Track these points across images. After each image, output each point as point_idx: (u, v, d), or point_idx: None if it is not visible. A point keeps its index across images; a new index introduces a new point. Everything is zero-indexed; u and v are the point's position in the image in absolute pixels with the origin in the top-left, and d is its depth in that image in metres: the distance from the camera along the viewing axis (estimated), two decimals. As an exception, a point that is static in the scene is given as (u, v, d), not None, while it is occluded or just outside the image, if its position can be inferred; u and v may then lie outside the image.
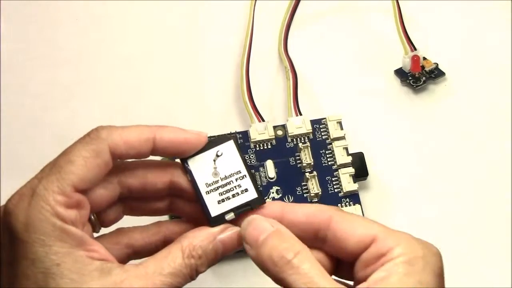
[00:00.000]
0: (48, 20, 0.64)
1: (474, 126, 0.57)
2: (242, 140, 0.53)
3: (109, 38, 0.63)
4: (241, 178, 0.37)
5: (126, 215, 0.39)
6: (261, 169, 0.52)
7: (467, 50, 0.61)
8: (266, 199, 0.50)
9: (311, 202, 0.50)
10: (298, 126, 0.53)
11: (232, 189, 0.37)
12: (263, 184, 0.51)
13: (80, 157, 0.34)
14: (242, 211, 0.37)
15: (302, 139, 0.53)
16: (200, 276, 0.36)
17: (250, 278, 0.51)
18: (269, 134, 0.52)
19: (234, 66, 0.60)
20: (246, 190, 0.37)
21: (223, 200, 0.37)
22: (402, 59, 0.59)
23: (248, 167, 0.38)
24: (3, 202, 0.35)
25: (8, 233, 0.33)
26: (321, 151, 0.52)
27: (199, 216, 0.37)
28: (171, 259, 0.35)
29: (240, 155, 0.38)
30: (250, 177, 0.37)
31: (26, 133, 0.58)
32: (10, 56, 0.61)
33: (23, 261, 0.33)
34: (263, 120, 0.54)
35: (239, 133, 0.53)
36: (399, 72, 0.60)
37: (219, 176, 0.37)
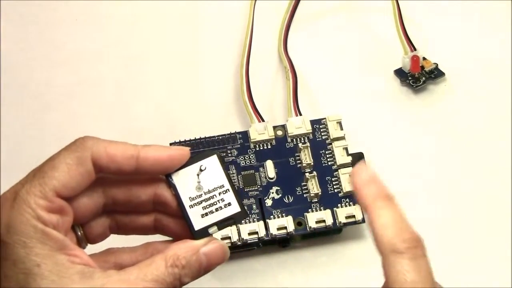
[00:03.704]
0: (48, 20, 0.64)
1: (474, 126, 0.57)
2: (242, 140, 0.53)
3: (108, 38, 0.63)
4: (224, 192, 0.38)
5: (113, 233, 0.39)
6: (261, 169, 0.52)
7: (467, 50, 0.61)
8: (266, 199, 0.50)
9: (311, 202, 0.50)
10: (298, 126, 0.53)
11: (215, 203, 0.38)
12: (263, 184, 0.51)
13: (64, 164, 0.35)
14: (225, 225, 0.38)
15: (302, 139, 0.53)
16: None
17: (250, 279, 0.51)
18: (269, 134, 0.52)
19: (234, 66, 0.60)
20: (229, 204, 0.38)
21: (206, 214, 0.37)
22: (401, 59, 0.59)
23: (232, 182, 0.38)
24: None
25: None
26: (321, 151, 0.52)
27: (185, 234, 0.37)
28: (155, 267, 0.35)
29: (224, 170, 0.38)
30: (233, 191, 0.38)
31: (26, 133, 0.58)
32: (10, 56, 0.61)
33: (4, 262, 0.33)
34: (263, 120, 0.54)
35: (239, 133, 0.53)
36: (399, 72, 0.60)
37: (203, 190, 0.38)
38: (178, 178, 0.37)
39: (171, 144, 0.52)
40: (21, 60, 0.62)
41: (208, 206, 0.37)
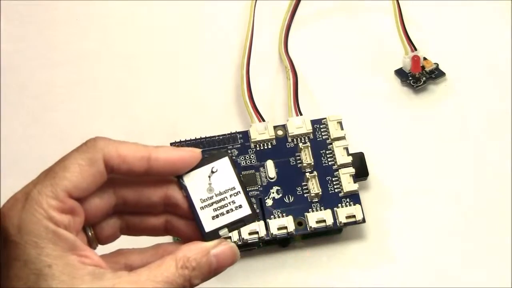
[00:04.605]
0: (48, 20, 0.64)
1: (474, 126, 0.57)
2: (242, 140, 0.53)
3: (109, 38, 0.63)
4: (235, 194, 0.38)
5: (124, 234, 0.39)
6: (261, 169, 0.52)
7: (468, 50, 0.61)
8: (266, 199, 0.50)
9: (311, 202, 0.50)
10: (299, 126, 0.53)
11: (226, 205, 0.37)
12: (263, 184, 0.51)
13: (75, 164, 0.34)
14: (236, 227, 0.38)
15: (303, 139, 0.53)
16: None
17: (250, 278, 0.51)
18: (269, 134, 0.52)
19: (235, 66, 0.60)
20: (240, 206, 0.38)
21: (217, 216, 0.37)
22: (402, 59, 0.59)
23: (243, 184, 0.38)
24: (3, 202, 0.35)
25: (1, 236, 0.34)
26: (321, 151, 0.52)
27: (195, 236, 0.37)
28: (165, 269, 0.35)
29: (235, 172, 0.38)
30: (244, 194, 0.38)
31: (26, 133, 0.58)
32: (10, 56, 0.61)
33: (15, 263, 0.33)
34: (264, 120, 0.54)
35: (239, 133, 0.53)
36: (400, 72, 0.60)
37: (214, 192, 0.37)
38: (189, 180, 0.37)
39: (171, 144, 0.52)
40: (21, 60, 0.62)
41: (219, 208, 0.37)
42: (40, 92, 0.60)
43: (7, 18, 0.64)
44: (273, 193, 0.51)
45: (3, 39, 0.62)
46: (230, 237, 0.48)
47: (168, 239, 0.40)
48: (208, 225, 0.37)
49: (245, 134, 0.53)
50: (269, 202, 0.50)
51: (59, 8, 0.65)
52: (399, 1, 0.59)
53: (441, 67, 0.59)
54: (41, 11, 0.64)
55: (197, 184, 0.37)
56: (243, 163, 0.52)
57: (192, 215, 0.37)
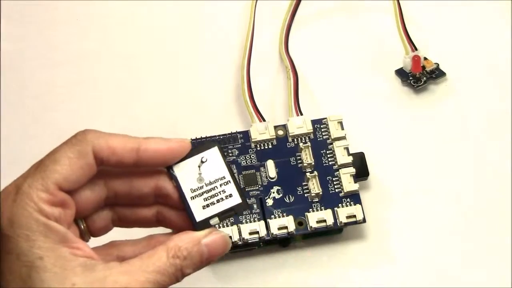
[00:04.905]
0: (48, 20, 0.64)
1: (475, 126, 0.57)
2: (243, 140, 0.53)
3: (109, 38, 0.63)
4: (225, 183, 0.38)
5: (116, 226, 0.39)
6: (261, 169, 0.52)
7: (468, 50, 0.61)
8: (266, 199, 0.50)
9: (311, 202, 0.50)
10: (299, 126, 0.53)
11: (216, 194, 0.38)
12: (264, 184, 0.51)
13: (65, 157, 0.35)
14: (227, 216, 0.38)
15: (303, 139, 0.53)
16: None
17: (250, 278, 0.51)
18: (269, 134, 0.52)
19: (235, 66, 0.60)
20: (230, 195, 0.38)
21: (207, 205, 0.38)
22: (403, 59, 0.59)
23: (233, 173, 0.38)
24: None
25: None
26: (321, 151, 0.52)
27: (186, 226, 0.38)
28: (156, 258, 0.35)
29: (224, 161, 0.38)
30: (234, 183, 0.38)
31: (26, 133, 0.58)
32: (10, 56, 0.61)
33: (7, 256, 0.33)
34: (264, 120, 0.54)
35: (239, 133, 0.53)
36: (400, 72, 0.60)
37: (204, 181, 0.38)
38: (179, 170, 0.38)
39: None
40: (21, 60, 0.62)
41: (209, 198, 0.37)
42: (40, 92, 0.60)
43: (7, 18, 0.64)
44: (273, 193, 0.51)
45: (3, 39, 0.62)
46: (230, 237, 0.48)
47: (160, 230, 0.40)
48: (199, 215, 0.37)
49: (246, 134, 0.53)
50: (269, 202, 0.50)
51: (59, 8, 0.65)
52: (400, 1, 0.59)
53: (441, 67, 0.59)
54: (41, 11, 0.64)
55: (187, 174, 0.37)
56: (244, 163, 0.52)
57: (183, 205, 0.37)
